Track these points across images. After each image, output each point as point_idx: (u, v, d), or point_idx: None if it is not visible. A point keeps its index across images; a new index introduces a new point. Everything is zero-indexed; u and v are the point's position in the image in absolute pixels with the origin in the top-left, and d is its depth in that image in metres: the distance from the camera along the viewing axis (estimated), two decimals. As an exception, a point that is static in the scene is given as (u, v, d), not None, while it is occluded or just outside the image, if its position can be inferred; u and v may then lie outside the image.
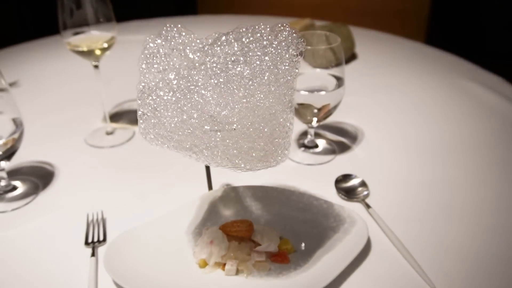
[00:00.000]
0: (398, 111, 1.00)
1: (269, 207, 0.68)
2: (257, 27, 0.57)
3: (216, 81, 0.51)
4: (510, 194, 0.72)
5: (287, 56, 0.55)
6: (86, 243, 0.65)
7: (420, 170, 0.80)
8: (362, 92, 1.07)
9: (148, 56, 0.56)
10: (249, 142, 0.51)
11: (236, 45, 0.56)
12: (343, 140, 0.89)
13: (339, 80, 0.78)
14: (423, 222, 0.67)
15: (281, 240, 0.62)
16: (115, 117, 1.00)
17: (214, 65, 0.53)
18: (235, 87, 0.51)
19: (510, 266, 0.59)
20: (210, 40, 0.58)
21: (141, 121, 0.54)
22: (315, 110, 0.78)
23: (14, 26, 2.29)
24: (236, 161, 0.52)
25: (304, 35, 0.79)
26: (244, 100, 0.51)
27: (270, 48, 0.54)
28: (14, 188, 0.77)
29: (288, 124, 0.55)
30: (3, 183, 0.76)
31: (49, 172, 0.82)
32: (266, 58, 0.54)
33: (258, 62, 0.53)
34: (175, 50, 0.57)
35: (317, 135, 0.90)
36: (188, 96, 0.51)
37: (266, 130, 0.52)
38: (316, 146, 0.86)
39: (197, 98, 0.50)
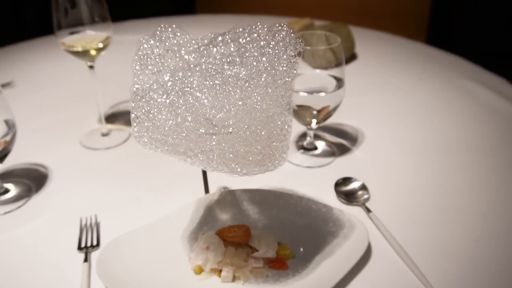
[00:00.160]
0: (399, 112, 0.98)
1: (267, 211, 0.66)
2: (254, 27, 0.56)
3: (211, 83, 0.49)
4: (514, 198, 0.71)
5: (285, 56, 0.53)
6: (79, 248, 0.64)
7: (422, 173, 0.78)
8: (362, 93, 1.05)
9: (142, 57, 0.55)
10: (246, 146, 0.50)
11: (232, 46, 0.54)
12: (343, 142, 0.87)
13: (339, 81, 0.76)
14: (426, 227, 0.66)
15: (279, 246, 0.61)
16: (110, 118, 0.98)
17: (210, 66, 0.51)
18: (231, 89, 0.50)
19: (514, 273, 0.58)
20: (206, 41, 0.56)
21: (134, 124, 0.52)
22: (315, 112, 0.76)
23: (10, 26, 2.27)
24: (233, 165, 0.50)
25: (303, 35, 0.77)
26: (241, 103, 0.49)
27: (268, 48, 0.53)
28: (7, 191, 0.76)
29: (286, 127, 0.53)
30: (-5, 186, 0.75)
31: (42, 175, 0.80)
32: (263, 59, 0.52)
33: (255, 63, 0.51)
34: (169, 51, 0.55)
35: (317, 137, 0.88)
36: (182, 99, 0.49)
37: (263, 133, 0.51)
38: (316, 148, 0.85)
39: (191, 101, 0.48)
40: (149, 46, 0.55)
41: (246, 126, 0.50)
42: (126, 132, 0.93)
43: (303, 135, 0.88)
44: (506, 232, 0.64)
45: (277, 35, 0.55)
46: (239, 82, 0.50)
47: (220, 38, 0.55)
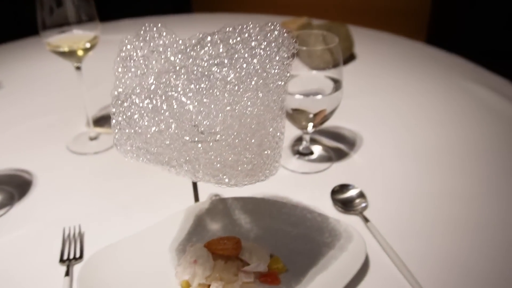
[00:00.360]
0: (399, 115, 0.95)
1: (259, 221, 0.63)
2: (245, 26, 0.52)
3: (197, 87, 0.46)
4: (519, 206, 0.67)
5: (277, 58, 0.50)
6: (61, 260, 0.60)
7: (424, 179, 0.75)
8: (361, 95, 1.02)
9: (124, 59, 0.51)
10: (235, 155, 0.46)
11: (221, 47, 0.51)
12: (340, 146, 0.84)
13: (337, 83, 0.73)
14: (426, 238, 0.62)
15: (272, 259, 0.57)
16: (99, 121, 0.95)
17: (196, 68, 0.48)
18: (219, 93, 0.46)
19: (521, 288, 0.54)
20: (193, 41, 0.53)
21: (115, 130, 0.49)
22: (311, 115, 0.73)
23: (9, 26, 2.23)
24: (220, 175, 0.46)
25: (300, 35, 0.74)
26: (229, 108, 0.46)
27: (259, 49, 0.49)
28: (-12, 198, 0.72)
29: (278, 134, 0.50)
30: (-25, 193, 0.72)
31: (26, 181, 0.77)
32: (254, 61, 0.48)
33: (245, 66, 0.48)
34: (154, 52, 0.51)
35: (313, 141, 0.84)
36: (166, 103, 0.45)
37: (253, 141, 0.47)
38: (312, 153, 0.81)
39: (175, 106, 0.45)
40: (132, 47, 0.52)
41: (235, 133, 0.46)
42: (115, 135, 0.90)
43: (299, 140, 0.84)
44: (511, 243, 0.61)
45: (269, 35, 0.51)
46: (227, 86, 0.47)
47: (208, 39, 0.52)
